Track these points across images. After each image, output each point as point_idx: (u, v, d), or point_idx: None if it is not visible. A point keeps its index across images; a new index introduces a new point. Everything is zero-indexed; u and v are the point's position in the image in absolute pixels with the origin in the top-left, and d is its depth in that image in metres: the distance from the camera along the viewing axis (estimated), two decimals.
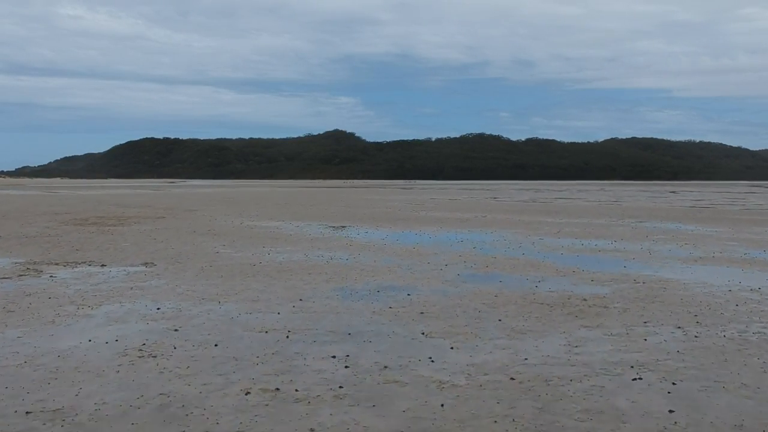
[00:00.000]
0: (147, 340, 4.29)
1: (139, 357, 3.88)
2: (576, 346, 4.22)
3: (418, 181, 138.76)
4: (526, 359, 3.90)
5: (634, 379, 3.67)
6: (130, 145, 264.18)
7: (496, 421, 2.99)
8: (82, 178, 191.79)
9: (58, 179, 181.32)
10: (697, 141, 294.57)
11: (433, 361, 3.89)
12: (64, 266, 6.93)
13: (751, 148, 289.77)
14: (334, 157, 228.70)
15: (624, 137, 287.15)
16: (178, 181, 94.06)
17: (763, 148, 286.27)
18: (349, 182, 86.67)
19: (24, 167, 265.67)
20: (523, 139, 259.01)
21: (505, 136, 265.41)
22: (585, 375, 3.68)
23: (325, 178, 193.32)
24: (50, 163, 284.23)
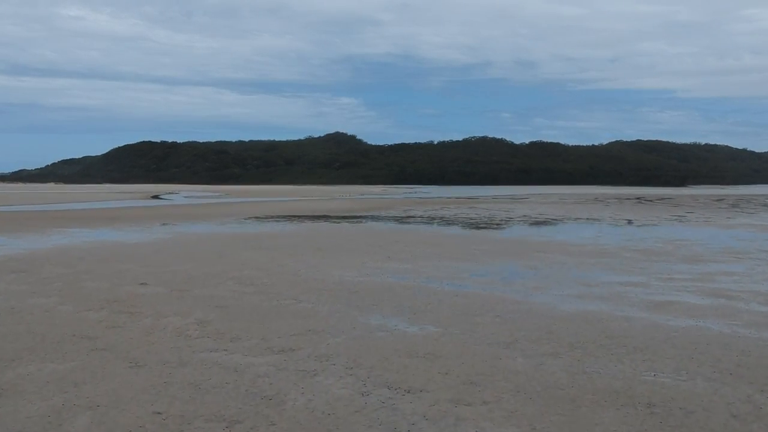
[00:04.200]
0: None
1: None
2: None
3: (419, 188, 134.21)
4: None
5: None
6: (128, 148, 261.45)
7: None
8: (77, 182, 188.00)
9: (51, 184, 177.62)
10: (703, 143, 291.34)
11: None
12: None
13: (753, 149, 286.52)
14: (335, 160, 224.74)
15: (628, 139, 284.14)
16: (164, 194, 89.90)
17: (767, 150, 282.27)
18: (347, 194, 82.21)
19: (21, 170, 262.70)
20: (526, 142, 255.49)
21: (507, 138, 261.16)
22: None
23: (324, 183, 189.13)
24: (47, 166, 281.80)
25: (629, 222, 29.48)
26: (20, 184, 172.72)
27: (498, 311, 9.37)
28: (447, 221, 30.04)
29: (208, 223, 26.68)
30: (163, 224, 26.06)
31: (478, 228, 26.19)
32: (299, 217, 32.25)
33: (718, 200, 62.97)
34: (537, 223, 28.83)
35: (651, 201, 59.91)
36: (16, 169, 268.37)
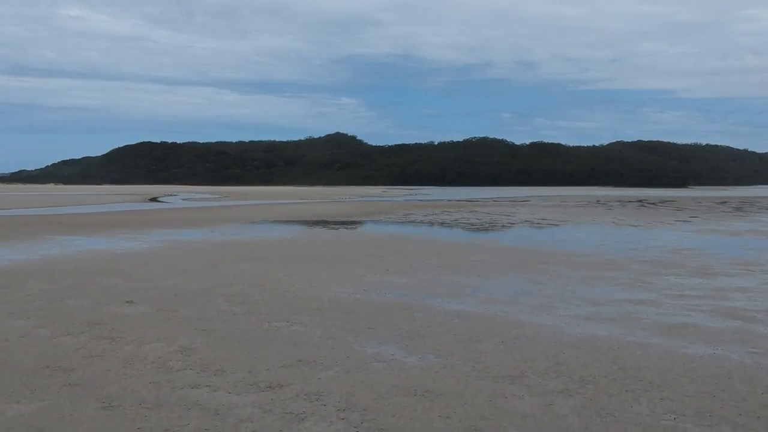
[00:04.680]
0: None
1: None
2: None
3: (419, 190, 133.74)
4: None
5: None
6: (128, 149, 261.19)
7: None
8: (77, 183, 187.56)
9: (51, 185, 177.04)
10: (704, 144, 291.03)
11: None
12: None
13: (754, 149, 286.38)
14: (335, 161, 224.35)
15: (628, 139, 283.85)
16: (163, 196, 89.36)
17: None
18: (347, 196, 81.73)
19: (21, 171, 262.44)
20: (527, 143, 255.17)
21: (508, 138, 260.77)
22: None
23: (325, 184, 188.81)
24: (47, 166, 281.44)
25: (633, 227, 28.91)
26: (20, 185, 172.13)
27: (502, 336, 8.81)
28: (448, 227, 29.50)
29: (203, 230, 26.14)
30: (157, 231, 25.52)
31: (479, 235, 25.62)
32: (297, 222, 31.70)
33: (721, 203, 62.40)
34: (539, 230, 28.27)
35: (654, 204, 59.35)
36: (17, 170, 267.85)
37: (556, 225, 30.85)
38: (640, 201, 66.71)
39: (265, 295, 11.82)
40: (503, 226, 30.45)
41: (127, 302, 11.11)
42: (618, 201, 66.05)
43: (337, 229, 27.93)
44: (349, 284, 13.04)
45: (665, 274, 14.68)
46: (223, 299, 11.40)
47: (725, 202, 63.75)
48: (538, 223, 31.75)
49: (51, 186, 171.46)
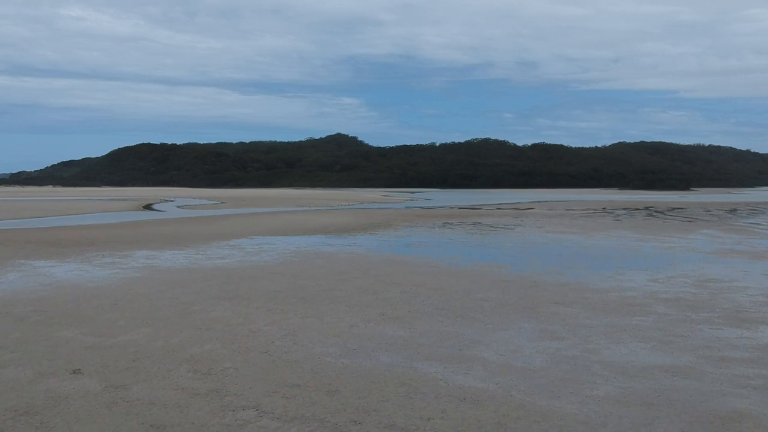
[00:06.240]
0: None
1: None
2: None
3: (420, 193, 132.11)
4: None
5: None
6: (127, 150, 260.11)
7: None
8: (76, 185, 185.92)
9: (50, 187, 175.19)
10: (706, 144, 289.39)
11: None
12: None
13: (756, 150, 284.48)
14: (335, 163, 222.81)
15: (630, 140, 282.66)
16: (158, 202, 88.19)
17: None
18: (346, 202, 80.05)
19: (21, 172, 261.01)
20: (529, 144, 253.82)
21: (510, 139, 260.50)
22: None
23: (325, 186, 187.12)
24: (47, 168, 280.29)
25: (648, 247, 27.20)
26: (17, 188, 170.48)
27: None
28: (449, 246, 27.82)
29: (188, 251, 24.44)
30: (140, 252, 23.86)
31: (484, 258, 23.91)
32: (290, 237, 29.99)
33: (730, 210, 60.73)
34: (547, 252, 26.55)
35: (662, 212, 57.63)
36: (17, 171, 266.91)
37: (565, 244, 29.16)
38: (647, 208, 65.00)
39: (237, 359, 10.13)
40: (509, 245, 28.78)
41: (74, 372, 9.43)
42: (624, 209, 64.34)
43: (330, 249, 26.24)
44: (337, 338, 11.36)
45: (697, 321, 12.98)
46: (186, 367, 9.71)
47: (735, 210, 62.05)
48: (545, 242, 30.03)
49: (49, 188, 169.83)
